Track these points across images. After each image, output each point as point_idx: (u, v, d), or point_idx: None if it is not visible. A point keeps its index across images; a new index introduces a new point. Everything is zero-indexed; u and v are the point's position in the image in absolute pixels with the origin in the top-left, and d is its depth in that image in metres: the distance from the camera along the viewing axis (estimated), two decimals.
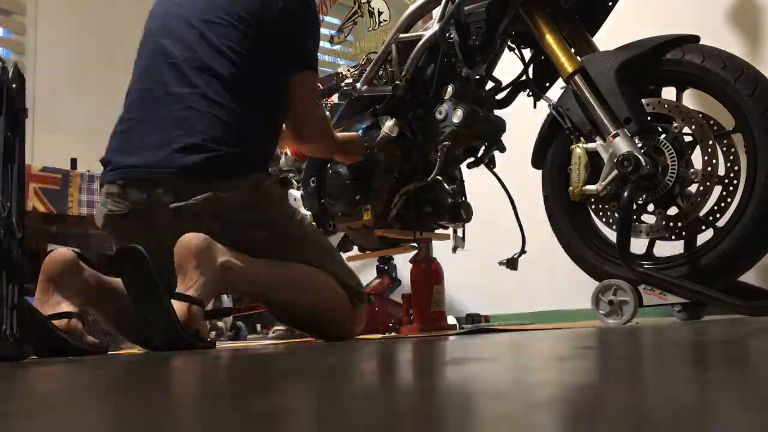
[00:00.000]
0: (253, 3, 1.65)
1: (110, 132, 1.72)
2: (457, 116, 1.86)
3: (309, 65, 1.75)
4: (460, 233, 2.19)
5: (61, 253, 1.59)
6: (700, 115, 1.55)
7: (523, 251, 2.19)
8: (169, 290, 1.40)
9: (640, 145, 1.55)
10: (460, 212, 2.01)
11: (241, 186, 1.58)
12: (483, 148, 2.07)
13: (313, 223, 1.85)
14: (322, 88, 2.24)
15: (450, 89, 1.89)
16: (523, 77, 1.95)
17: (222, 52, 1.62)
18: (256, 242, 1.60)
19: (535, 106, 1.88)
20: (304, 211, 2.08)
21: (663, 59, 1.58)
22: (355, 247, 2.31)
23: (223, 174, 1.57)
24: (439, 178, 1.93)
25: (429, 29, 1.94)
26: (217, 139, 1.57)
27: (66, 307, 1.51)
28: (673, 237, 1.60)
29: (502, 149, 2.19)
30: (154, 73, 1.67)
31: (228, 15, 1.65)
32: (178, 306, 1.36)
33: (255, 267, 1.55)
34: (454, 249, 2.24)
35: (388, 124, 1.98)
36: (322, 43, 2.78)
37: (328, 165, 2.12)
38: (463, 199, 2.06)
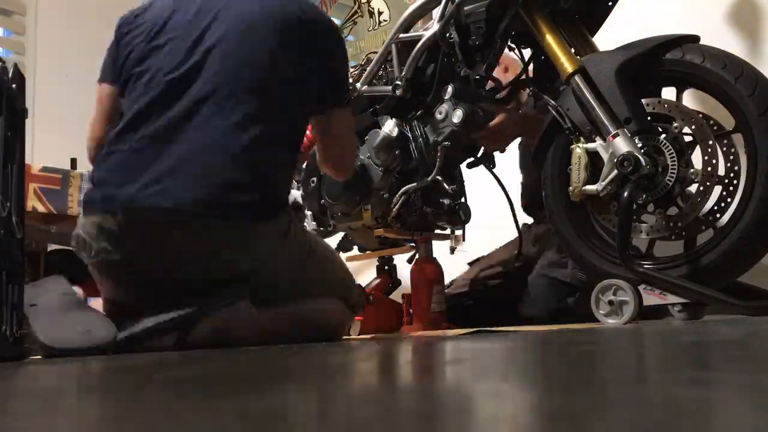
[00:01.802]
0: (289, 19, 1.52)
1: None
2: (457, 116, 1.86)
3: (343, 100, 1.67)
4: (459, 233, 2.19)
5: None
6: (700, 115, 1.55)
7: (519, 253, 2.19)
8: None
9: (640, 145, 1.54)
10: (458, 213, 2.01)
11: (271, 232, 1.46)
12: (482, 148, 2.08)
13: (325, 247, 1.71)
14: None
15: (450, 89, 1.89)
16: (523, 77, 1.96)
17: (262, 79, 1.47)
18: (281, 286, 1.51)
19: (535, 106, 1.88)
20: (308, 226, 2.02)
21: (663, 59, 1.58)
22: (355, 247, 2.31)
23: (261, 217, 1.43)
24: (439, 178, 1.93)
25: (429, 29, 1.95)
26: (256, 178, 1.43)
27: None
28: (673, 237, 1.60)
29: (502, 149, 2.19)
30: (180, 87, 1.45)
31: (267, 33, 1.50)
32: None
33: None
34: (452, 250, 2.25)
35: (388, 124, 1.98)
36: None
37: None
38: (462, 200, 2.06)
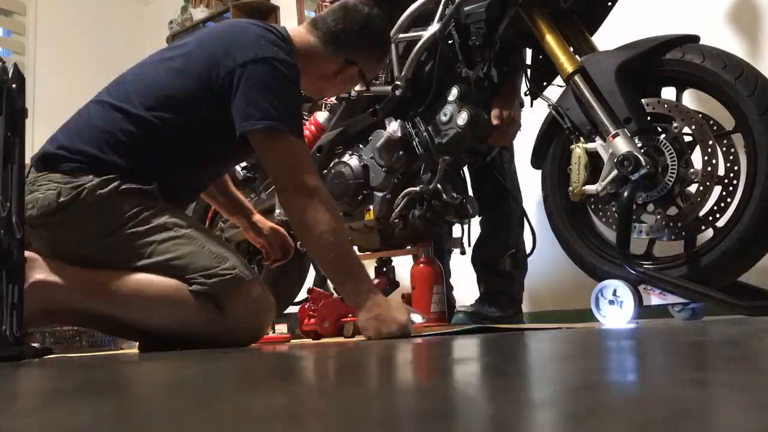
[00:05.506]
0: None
1: None
2: (462, 118, 1.86)
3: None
4: (457, 234, 2.20)
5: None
6: (700, 115, 1.55)
7: (532, 251, 2.18)
8: None
9: (640, 145, 1.55)
10: (466, 208, 2.01)
11: (61, 185, 1.53)
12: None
13: (170, 220, 1.59)
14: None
15: (455, 91, 1.89)
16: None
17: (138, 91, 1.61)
18: (89, 252, 1.53)
19: (531, 105, 1.88)
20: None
21: (663, 59, 1.58)
22: (355, 247, 2.31)
23: (58, 171, 1.54)
24: (439, 187, 1.94)
25: (429, 29, 1.95)
26: (75, 146, 1.57)
27: None
28: (673, 237, 1.60)
29: (507, 143, 2.19)
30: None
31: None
32: None
33: (80, 284, 1.49)
34: (450, 251, 2.25)
35: (393, 126, 1.98)
36: None
37: (330, 165, 2.12)
38: (468, 195, 2.07)
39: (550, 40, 1.71)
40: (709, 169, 1.51)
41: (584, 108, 1.63)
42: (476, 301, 2.20)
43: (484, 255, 2.20)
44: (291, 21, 3.84)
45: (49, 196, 1.52)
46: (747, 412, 0.30)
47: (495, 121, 1.91)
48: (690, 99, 1.72)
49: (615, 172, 1.55)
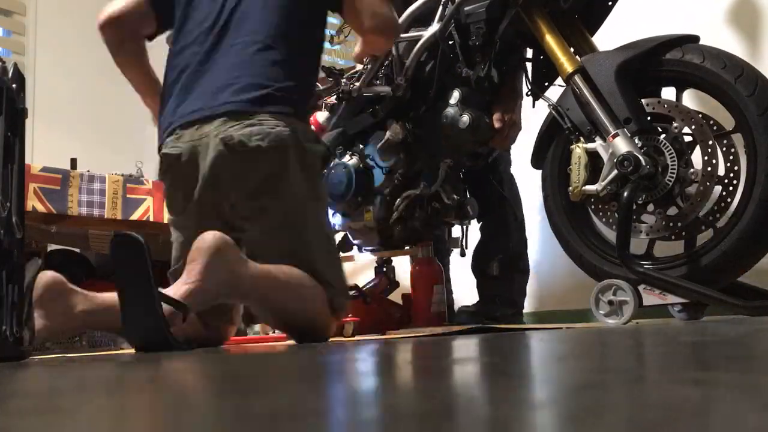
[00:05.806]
0: None
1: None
2: (463, 122, 1.86)
3: None
4: (456, 235, 2.20)
5: (46, 276, 1.46)
6: (700, 115, 1.55)
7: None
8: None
9: (639, 145, 1.55)
10: (466, 209, 2.01)
11: (284, 118, 1.61)
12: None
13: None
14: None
15: (456, 94, 1.89)
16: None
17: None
18: (274, 208, 1.60)
19: (533, 105, 1.88)
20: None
21: (663, 59, 1.58)
22: (355, 248, 2.31)
23: (271, 105, 1.61)
24: (440, 189, 1.94)
25: (429, 29, 1.95)
26: (269, 78, 1.63)
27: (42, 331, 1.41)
28: (673, 237, 1.60)
29: (508, 146, 2.19)
30: (204, 32, 1.74)
31: None
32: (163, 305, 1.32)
33: (261, 278, 1.50)
34: (449, 251, 2.24)
35: (394, 127, 1.97)
36: None
37: (330, 165, 2.12)
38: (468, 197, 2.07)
39: (550, 40, 1.71)
40: (709, 169, 1.51)
41: (584, 108, 1.63)
42: (477, 301, 2.20)
43: (483, 261, 2.20)
44: None
45: (281, 133, 1.59)
46: (747, 412, 0.30)
47: (497, 124, 1.91)
48: (690, 99, 1.72)
49: (615, 172, 1.55)
